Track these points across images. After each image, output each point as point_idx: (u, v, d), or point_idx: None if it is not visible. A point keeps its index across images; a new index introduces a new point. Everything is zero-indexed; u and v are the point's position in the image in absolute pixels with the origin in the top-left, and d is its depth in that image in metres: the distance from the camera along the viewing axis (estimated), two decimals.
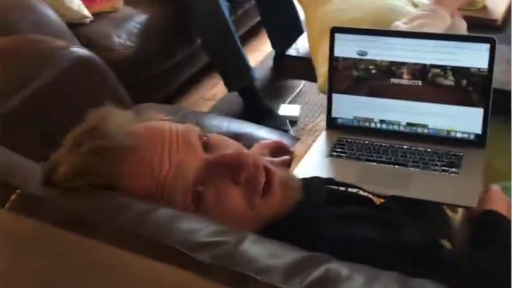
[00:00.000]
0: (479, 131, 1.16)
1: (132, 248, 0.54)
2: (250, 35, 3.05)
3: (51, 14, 1.79)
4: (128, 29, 2.24)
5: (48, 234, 0.56)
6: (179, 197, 0.73)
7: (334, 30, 1.25)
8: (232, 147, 0.82)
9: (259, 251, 0.58)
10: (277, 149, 1.29)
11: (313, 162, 1.18)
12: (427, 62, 1.19)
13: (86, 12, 2.19)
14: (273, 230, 0.79)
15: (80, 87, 1.38)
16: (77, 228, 0.57)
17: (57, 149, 0.78)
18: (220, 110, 2.57)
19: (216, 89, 2.76)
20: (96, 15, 2.24)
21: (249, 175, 0.79)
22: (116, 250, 0.53)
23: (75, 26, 2.10)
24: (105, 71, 1.54)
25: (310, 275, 0.54)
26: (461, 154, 1.14)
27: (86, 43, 1.82)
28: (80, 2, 2.17)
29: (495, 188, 1.12)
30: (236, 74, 2.38)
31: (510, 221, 1.05)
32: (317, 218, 0.82)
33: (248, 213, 0.78)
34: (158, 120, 0.86)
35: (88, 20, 2.20)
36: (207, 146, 0.79)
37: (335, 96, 1.28)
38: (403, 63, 1.21)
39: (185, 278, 0.49)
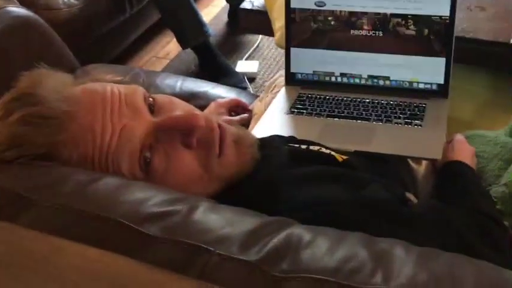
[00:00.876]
0: (441, 81, 1.14)
1: (70, 227, 0.47)
2: None
3: None
4: None
5: None
6: (125, 164, 0.67)
7: None
8: (182, 108, 0.76)
9: (213, 219, 0.53)
10: (235, 108, 1.25)
11: (273, 120, 1.15)
12: (388, 12, 1.14)
13: None
14: (232, 192, 0.76)
15: (19, 50, 1.28)
16: (6, 209, 0.50)
17: None
18: (175, 68, 2.48)
19: (169, 46, 2.66)
20: None
21: (201, 137, 0.73)
22: (47, 237, 0.46)
23: None
24: (47, 31, 1.44)
25: (270, 242, 0.50)
26: (424, 105, 1.12)
27: (24, 2, 1.70)
28: None
29: (459, 137, 1.10)
30: (190, 30, 2.29)
31: (474, 171, 1.03)
32: (278, 179, 0.78)
33: (204, 176, 0.73)
34: (104, 81, 0.78)
35: None
36: (153, 108, 0.73)
37: (293, 50, 1.23)
38: (363, 13, 1.16)
39: (130, 269, 0.43)
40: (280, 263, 0.48)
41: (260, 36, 2.53)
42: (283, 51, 1.29)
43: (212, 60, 2.37)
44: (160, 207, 0.53)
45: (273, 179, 0.78)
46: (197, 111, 0.76)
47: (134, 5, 2.32)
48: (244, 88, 2.27)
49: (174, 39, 2.43)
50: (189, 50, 2.43)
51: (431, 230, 0.78)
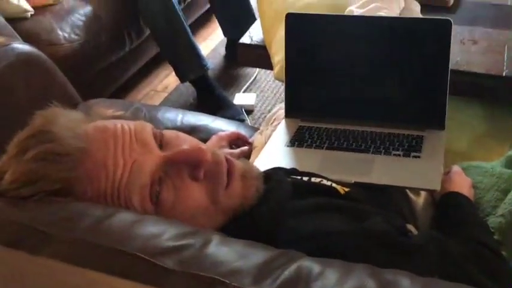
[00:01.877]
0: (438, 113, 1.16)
1: (90, 260, 0.49)
2: (200, 24, 2.99)
3: None
4: (72, 21, 2.15)
5: None
6: (137, 198, 0.69)
7: (289, 17, 1.22)
8: (188, 142, 0.79)
9: (226, 252, 0.55)
10: (235, 140, 1.27)
11: (273, 152, 1.16)
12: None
13: (27, 5, 2.08)
14: (236, 224, 0.77)
15: (24, 86, 1.31)
16: (26, 243, 0.52)
17: (0, 156, 0.73)
18: (173, 101, 2.51)
19: (167, 80, 2.70)
20: (38, 8, 2.13)
21: (208, 170, 0.75)
22: (67, 267, 0.48)
23: (16, 21, 2.00)
24: (50, 67, 1.47)
25: (281, 275, 0.52)
26: (421, 137, 1.14)
27: (28, 39, 1.73)
28: None
29: (456, 169, 1.12)
30: (188, 64, 2.33)
31: (472, 202, 1.05)
32: (281, 211, 0.80)
33: (211, 208, 0.75)
34: (109, 116, 0.81)
35: (29, 14, 2.10)
36: (162, 143, 0.76)
37: (293, 83, 1.25)
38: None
39: None
40: None
41: (257, 69, 2.57)
42: (280, 83, 1.32)
43: (210, 93, 2.40)
44: (174, 241, 0.54)
45: (277, 211, 0.79)
46: (203, 145, 0.79)
47: (134, 40, 2.36)
48: (243, 120, 2.30)
49: (173, 73, 2.46)
50: (187, 83, 2.46)
51: (431, 261, 0.80)
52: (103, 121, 0.76)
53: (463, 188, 1.06)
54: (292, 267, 0.53)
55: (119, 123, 0.74)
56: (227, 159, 0.79)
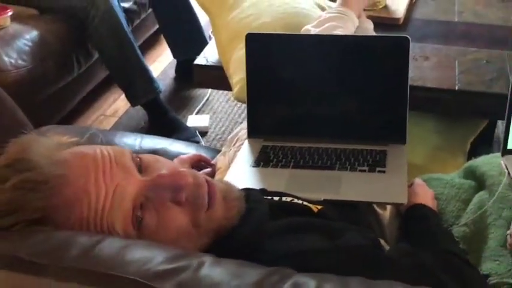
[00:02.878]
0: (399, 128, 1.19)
1: (88, 283, 0.47)
2: (148, 45, 2.96)
3: None
4: (19, 47, 2.08)
5: None
6: (119, 224, 0.67)
7: (249, 37, 1.23)
8: (168, 166, 0.78)
9: (220, 273, 0.54)
10: (198, 163, 1.26)
11: (239, 173, 1.16)
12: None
13: None
14: (219, 245, 0.77)
15: None
16: (22, 269, 0.49)
17: None
18: (125, 125, 2.47)
19: (116, 104, 2.65)
20: None
21: (190, 193, 0.74)
22: (72, 285, 0.46)
23: None
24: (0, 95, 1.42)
25: None
26: (385, 151, 1.16)
27: None
28: None
29: (418, 181, 1.15)
30: (140, 87, 2.29)
31: (436, 213, 1.08)
32: (261, 234, 0.79)
33: (193, 232, 0.75)
34: (83, 142, 0.79)
35: None
36: (141, 167, 0.74)
37: (255, 103, 1.26)
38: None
39: None
40: None
41: (209, 90, 2.57)
42: (233, 104, 1.32)
43: (163, 116, 2.37)
44: (168, 265, 0.53)
45: (257, 233, 0.79)
46: (183, 169, 0.77)
47: (82, 64, 2.31)
48: (197, 142, 2.28)
49: (122, 96, 2.43)
50: (138, 107, 2.42)
51: (408, 274, 0.81)
52: (80, 147, 0.74)
53: (427, 200, 1.09)
54: (289, 283, 0.53)
55: (97, 148, 0.72)
56: (207, 181, 0.78)
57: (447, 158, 1.48)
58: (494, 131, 1.94)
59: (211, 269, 0.54)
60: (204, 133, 2.39)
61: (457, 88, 1.39)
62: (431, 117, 1.54)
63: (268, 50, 1.24)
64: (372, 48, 1.20)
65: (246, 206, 0.83)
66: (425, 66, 1.50)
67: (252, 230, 0.79)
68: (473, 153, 1.44)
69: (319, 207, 0.94)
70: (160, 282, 0.49)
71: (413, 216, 1.06)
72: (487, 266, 0.98)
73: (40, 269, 0.50)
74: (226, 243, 0.77)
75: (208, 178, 0.80)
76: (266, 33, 1.27)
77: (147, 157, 0.77)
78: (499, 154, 1.14)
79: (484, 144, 1.72)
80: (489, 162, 1.16)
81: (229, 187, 0.84)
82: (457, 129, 1.53)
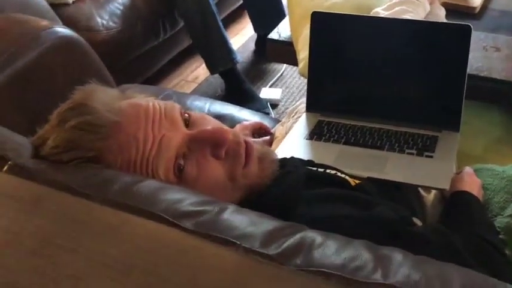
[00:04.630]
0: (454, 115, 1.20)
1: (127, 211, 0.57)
2: (232, 19, 3.07)
3: None
4: (111, 10, 2.24)
5: (47, 195, 0.59)
6: (162, 170, 0.76)
7: (315, 15, 1.28)
8: (213, 123, 0.86)
9: (239, 219, 0.62)
10: (258, 130, 1.33)
11: (292, 144, 1.21)
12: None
13: None
14: (251, 204, 0.83)
15: (64, 66, 1.39)
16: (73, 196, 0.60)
17: (43, 126, 0.81)
18: (203, 92, 2.59)
19: (197, 71, 2.78)
20: None
21: (229, 149, 0.82)
22: (114, 210, 0.56)
23: (58, 6, 2.10)
24: (88, 50, 1.55)
25: (287, 241, 0.58)
26: (436, 137, 1.18)
27: (68, 24, 1.81)
28: None
29: (468, 169, 1.16)
30: (218, 56, 2.40)
31: (480, 201, 1.10)
32: (294, 195, 0.85)
33: (228, 185, 0.82)
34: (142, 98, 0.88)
35: (71, 0, 2.19)
36: (188, 123, 0.83)
37: (315, 79, 1.31)
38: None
39: (176, 235, 0.53)
40: (295, 259, 0.56)
41: (284, 65, 2.64)
42: (305, 80, 1.37)
43: (238, 85, 2.47)
44: (195, 207, 0.61)
45: (290, 194, 0.85)
46: (225, 127, 0.86)
47: (168, 31, 2.44)
48: (267, 113, 2.36)
49: (203, 65, 2.54)
50: (216, 75, 2.54)
51: (433, 250, 0.83)
52: (136, 99, 0.84)
53: (473, 188, 1.10)
54: (297, 236, 0.60)
55: (150, 101, 0.81)
56: (246, 142, 0.85)
57: (507, 152, 1.47)
58: None
59: (232, 215, 0.62)
60: (275, 105, 2.47)
61: None
62: (495, 109, 1.53)
63: (332, 29, 1.28)
64: (434, 34, 1.21)
65: (282, 170, 0.90)
66: (494, 57, 1.48)
67: (284, 190, 0.85)
68: None
69: (357, 181, 0.99)
70: (182, 220, 0.57)
71: (455, 202, 1.07)
72: None
73: (87, 198, 0.59)
74: (259, 202, 0.83)
75: (247, 139, 0.87)
76: (331, 13, 1.31)
77: (195, 114, 0.86)
78: None
79: None
80: None
81: (266, 150, 0.91)
82: None
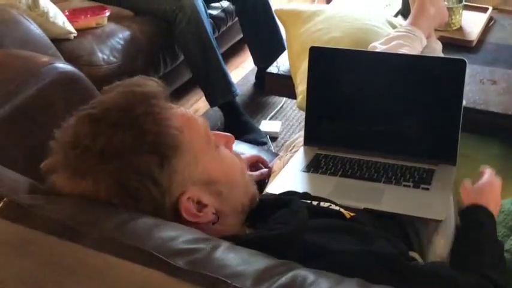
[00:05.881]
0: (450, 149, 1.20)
1: (116, 253, 0.57)
2: (233, 52, 3.10)
3: (35, 29, 1.80)
4: (112, 45, 2.27)
5: (34, 239, 0.59)
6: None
7: (313, 50, 1.30)
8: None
9: (231, 257, 0.61)
10: (255, 163, 1.33)
11: (289, 176, 1.22)
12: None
13: (71, 28, 2.21)
14: (255, 237, 0.81)
15: (64, 102, 1.40)
16: (62, 234, 0.60)
17: (41, 163, 0.81)
18: None
19: (198, 104, 2.79)
20: (81, 31, 2.26)
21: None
22: (101, 254, 0.56)
23: (60, 41, 2.12)
24: (89, 86, 1.56)
25: (278, 280, 0.58)
26: (433, 170, 1.18)
27: (69, 58, 1.84)
28: (65, 18, 2.19)
29: (488, 177, 1.15)
30: (218, 89, 2.42)
31: (493, 219, 1.06)
32: (300, 237, 0.83)
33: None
34: None
35: (72, 35, 2.22)
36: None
37: (313, 113, 1.32)
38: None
39: (165, 280, 0.52)
40: None
41: (284, 98, 2.66)
42: (304, 113, 1.38)
43: (237, 118, 2.48)
44: (188, 245, 0.61)
45: (296, 237, 0.82)
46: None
47: (168, 64, 2.47)
48: (265, 143, 2.38)
49: (203, 98, 2.56)
50: (216, 108, 2.55)
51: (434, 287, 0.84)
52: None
53: (490, 200, 1.08)
54: (289, 275, 0.59)
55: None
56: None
57: (505, 184, 1.47)
58: None
59: (224, 253, 0.62)
60: (274, 138, 2.48)
61: None
62: (493, 142, 1.53)
63: (329, 64, 1.30)
64: (430, 69, 1.22)
65: (288, 209, 0.88)
66: (492, 90, 1.50)
67: (291, 230, 0.82)
68: None
69: (352, 214, 0.98)
70: (175, 258, 0.57)
71: (467, 219, 1.07)
72: None
73: (77, 239, 0.59)
74: (266, 234, 0.81)
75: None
76: (329, 47, 1.34)
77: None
78: None
79: None
80: None
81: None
82: None
